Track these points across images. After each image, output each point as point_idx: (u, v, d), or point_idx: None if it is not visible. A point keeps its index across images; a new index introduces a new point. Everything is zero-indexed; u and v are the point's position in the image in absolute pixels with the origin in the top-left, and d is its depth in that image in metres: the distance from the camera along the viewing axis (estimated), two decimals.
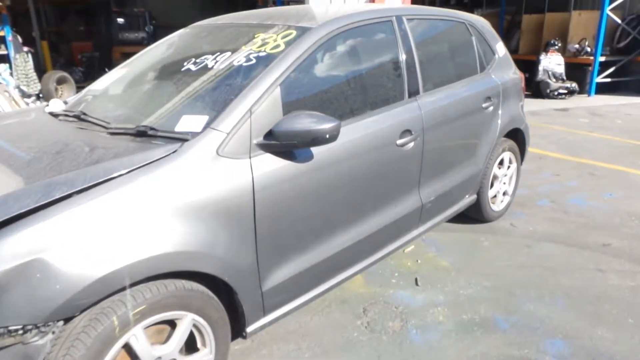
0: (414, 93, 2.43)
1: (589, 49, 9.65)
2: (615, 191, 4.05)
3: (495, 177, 3.25)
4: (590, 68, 9.34)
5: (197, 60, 2.08)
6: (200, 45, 2.35)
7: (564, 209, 3.66)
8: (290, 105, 1.84)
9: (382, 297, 2.51)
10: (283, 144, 1.72)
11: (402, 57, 2.40)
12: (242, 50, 2.02)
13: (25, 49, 8.61)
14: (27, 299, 1.22)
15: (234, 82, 1.85)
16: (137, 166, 1.48)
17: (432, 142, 2.48)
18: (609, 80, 9.58)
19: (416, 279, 2.67)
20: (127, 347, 1.45)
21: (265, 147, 1.74)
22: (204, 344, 1.68)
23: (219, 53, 2.06)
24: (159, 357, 1.53)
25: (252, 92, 1.75)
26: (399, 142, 2.26)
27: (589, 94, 9.40)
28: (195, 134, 1.66)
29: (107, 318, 1.36)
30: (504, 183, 3.39)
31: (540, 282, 2.65)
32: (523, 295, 2.53)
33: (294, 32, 2.02)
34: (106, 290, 1.34)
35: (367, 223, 2.21)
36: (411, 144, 2.33)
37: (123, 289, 1.39)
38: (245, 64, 1.92)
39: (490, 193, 3.25)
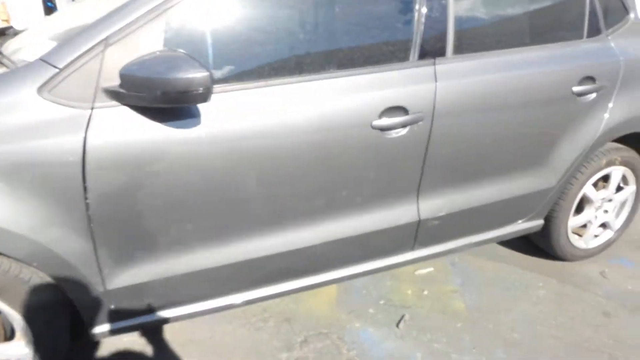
0: (431, 54, 1.60)
1: None
2: None
3: (587, 201, 2.19)
4: None
5: None
6: None
7: None
8: (185, 37, 1.29)
9: (339, 330, 1.85)
10: (130, 94, 1.19)
11: None
12: None
13: None
14: None
15: None
16: None
17: (452, 133, 1.65)
18: None
19: (402, 318, 1.92)
20: None
21: (117, 97, 1.22)
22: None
23: None
24: None
25: (118, 14, 1.24)
26: (376, 123, 1.50)
27: None
28: (26, 67, 1.23)
29: None
30: (605, 211, 2.28)
31: None
32: None
33: None
34: None
35: (304, 230, 1.56)
36: (403, 131, 1.55)
37: None
38: None
39: (576, 221, 2.21)
